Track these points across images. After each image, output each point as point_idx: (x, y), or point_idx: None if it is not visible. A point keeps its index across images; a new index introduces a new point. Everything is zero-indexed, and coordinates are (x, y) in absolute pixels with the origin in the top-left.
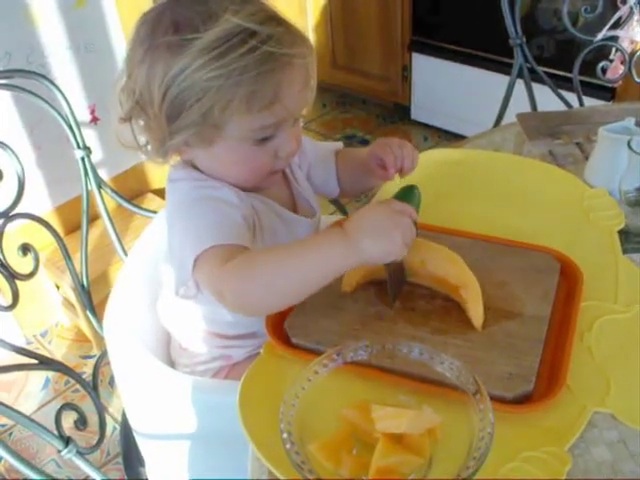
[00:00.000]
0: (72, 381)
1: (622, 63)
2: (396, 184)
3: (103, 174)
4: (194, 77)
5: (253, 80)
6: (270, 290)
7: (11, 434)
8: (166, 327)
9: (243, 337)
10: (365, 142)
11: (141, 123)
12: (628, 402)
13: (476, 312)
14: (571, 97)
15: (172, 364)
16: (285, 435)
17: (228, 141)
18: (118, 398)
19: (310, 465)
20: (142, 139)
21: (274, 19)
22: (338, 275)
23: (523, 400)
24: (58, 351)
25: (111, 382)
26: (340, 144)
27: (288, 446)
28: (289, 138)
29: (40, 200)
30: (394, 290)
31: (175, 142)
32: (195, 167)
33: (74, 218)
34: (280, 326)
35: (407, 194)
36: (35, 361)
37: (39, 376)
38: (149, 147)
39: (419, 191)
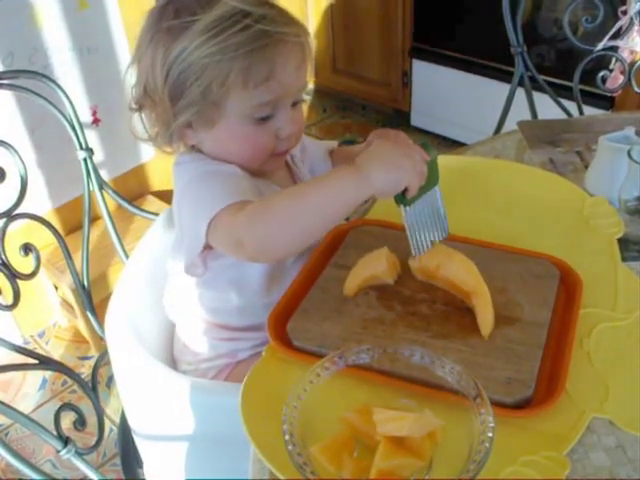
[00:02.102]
0: (69, 382)
1: (622, 73)
2: None
3: (103, 175)
4: (193, 56)
5: (248, 55)
6: (286, 227)
7: (7, 434)
8: (171, 319)
9: (248, 329)
10: None
11: (150, 113)
12: (626, 408)
13: (484, 320)
14: (571, 106)
15: (174, 364)
16: (287, 437)
17: (229, 120)
18: (115, 399)
19: (312, 467)
20: (153, 131)
21: (268, 3)
22: (351, 209)
23: (523, 405)
24: (55, 352)
25: (108, 383)
26: (334, 143)
27: (290, 448)
28: (288, 119)
29: (40, 200)
30: (416, 237)
31: (179, 123)
32: (201, 152)
33: (73, 219)
34: (282, 329)
35: (423, 145)
36: (35, 361)
37: (36, 376)
38: (158, 138)
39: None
